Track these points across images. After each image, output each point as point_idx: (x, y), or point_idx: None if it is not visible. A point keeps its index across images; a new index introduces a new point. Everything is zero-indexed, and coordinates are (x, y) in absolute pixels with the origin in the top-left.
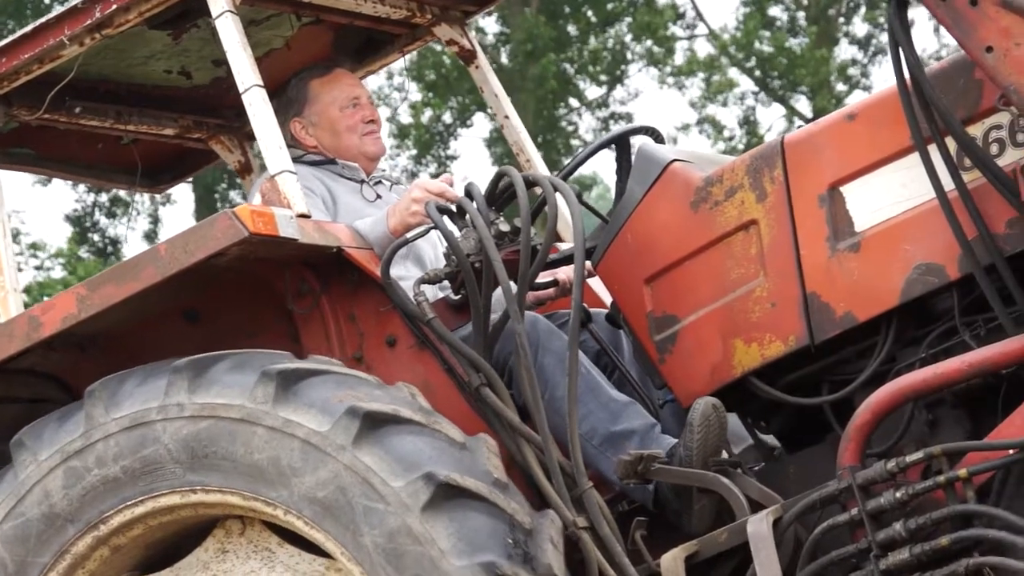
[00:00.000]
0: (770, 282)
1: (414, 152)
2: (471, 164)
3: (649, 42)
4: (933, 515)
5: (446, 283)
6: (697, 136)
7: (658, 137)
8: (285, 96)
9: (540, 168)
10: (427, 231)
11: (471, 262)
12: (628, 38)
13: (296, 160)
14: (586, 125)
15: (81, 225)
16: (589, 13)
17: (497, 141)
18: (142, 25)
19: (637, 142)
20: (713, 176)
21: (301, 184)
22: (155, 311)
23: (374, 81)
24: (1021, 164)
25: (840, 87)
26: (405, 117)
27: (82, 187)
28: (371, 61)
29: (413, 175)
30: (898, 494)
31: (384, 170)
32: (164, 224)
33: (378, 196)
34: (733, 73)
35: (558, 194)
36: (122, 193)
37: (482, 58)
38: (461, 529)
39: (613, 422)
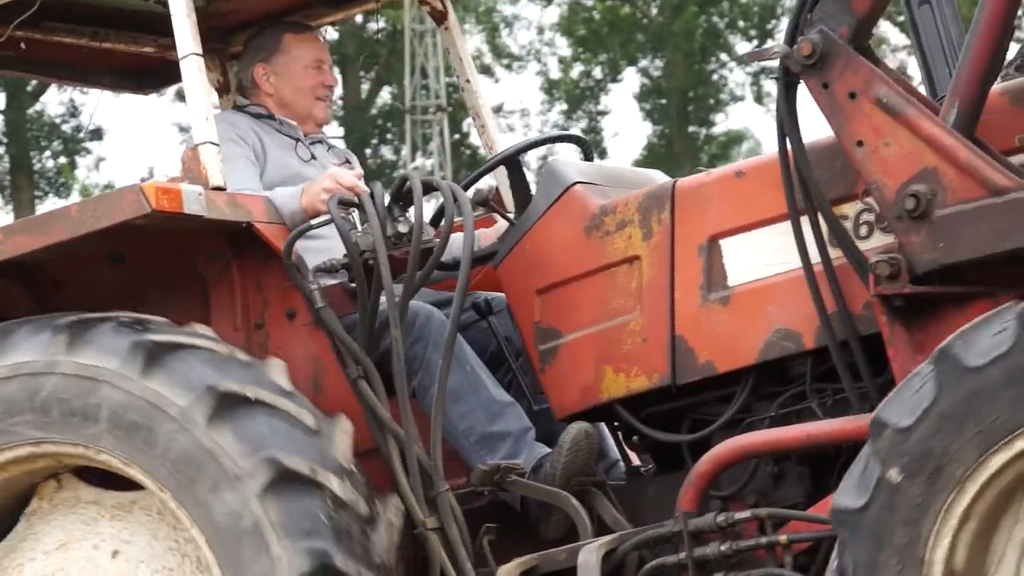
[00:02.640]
0: (644, 318)
1: (564, 107)
2: (621, 119)
3: None
4: (752, 573)
5: None
6: None
7: (586, 147)
8: (258, 40)
9: (494, 135)
10: (329, 221)
11: (364, 259)
12: None
13: (240, 108)
14: (736, 79)
15: None
16: None
17: (648, 95)
18: None
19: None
20: (608, 206)
21: (235, 133)
22: (80, 252)
23: (525, 36)
24: (874, 260)
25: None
26: (555, 71)
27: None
28: (348, 6)
29: (563, 130)
30: (723, 547)
31: (323, 132)
32: None
33: (313, 157)
34: (886, 27)
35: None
36: None
37: (452, 19)
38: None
39: (490, 422)
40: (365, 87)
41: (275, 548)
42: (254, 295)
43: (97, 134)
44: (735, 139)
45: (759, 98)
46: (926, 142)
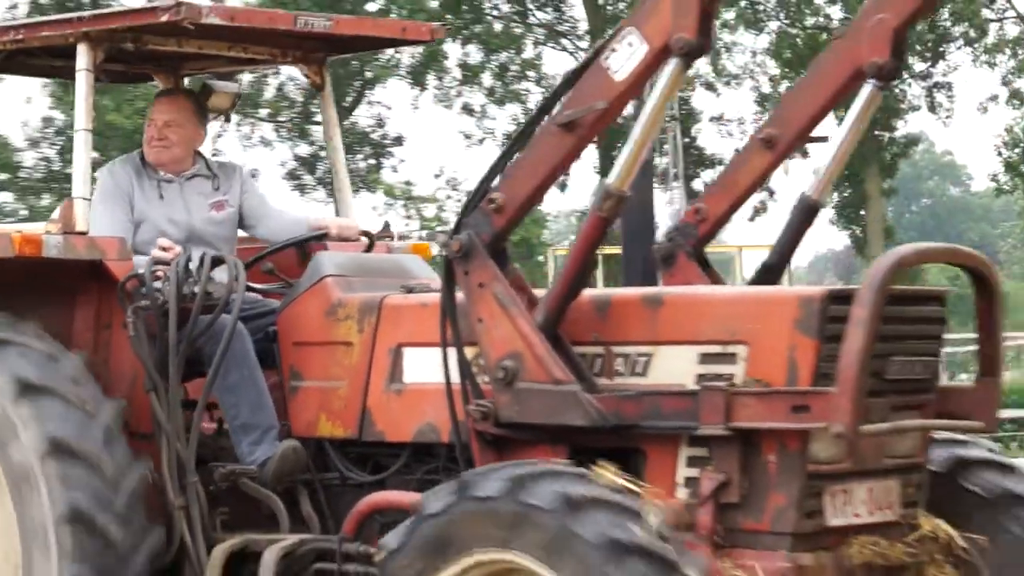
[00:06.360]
0: (348, 388)
1: None
2: (820, 127)
3: (965, 24)
4: None
5: None
6: (1004, 107)
7: (371, 239)
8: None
9: (343, 179)
10: (149, 272)
11: (165, 308)
12: (948, 23)
13: (141, 155)
14: (914, 92)
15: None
16: None
17: (842, 104)
18: None
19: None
20: (343, 300)
21: (114, 185)
22: None
23: (740, 58)
24: (471, 406)
25: None
26: (766, 87)
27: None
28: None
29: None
30: (360, 568)
31: (198, 166)
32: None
33: (161, 196)
34: None
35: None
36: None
37: (328, 90)
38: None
39: (251, 414)
40: None
41: (43, 500)
42: (106, 304)
43: (399, 141)
44: (912, 141)
45: (932, 108)
46: (518, 332)
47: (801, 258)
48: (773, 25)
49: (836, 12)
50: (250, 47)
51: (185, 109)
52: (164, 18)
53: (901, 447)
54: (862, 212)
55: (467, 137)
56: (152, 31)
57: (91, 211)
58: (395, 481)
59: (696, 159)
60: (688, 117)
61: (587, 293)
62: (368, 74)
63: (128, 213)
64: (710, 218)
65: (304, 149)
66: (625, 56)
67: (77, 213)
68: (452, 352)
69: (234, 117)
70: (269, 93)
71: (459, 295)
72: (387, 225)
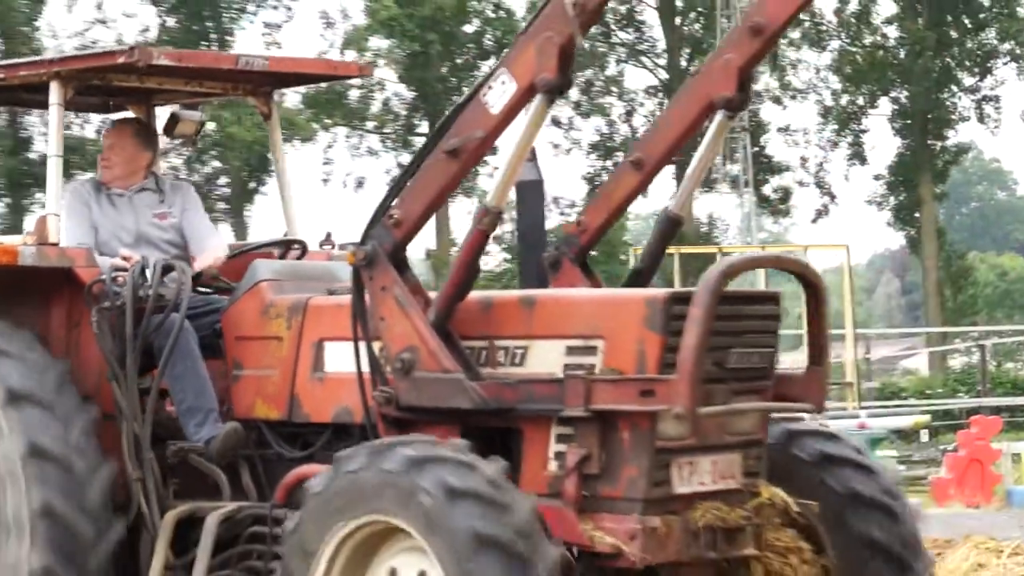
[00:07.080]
0: (279, 376)
1: (835, 126)
2: (877, 135)
3: (1011, 42)
4: None
5: None
6: None
7: (304, 247)
8: None
9: (291, 206)
10: (110, 277)
11: (122, 308)
12: (995, 40)
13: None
14: (964, 105)
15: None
16: (966, 20)
17: (897, 117)
18: None
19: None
20: (275, 300)
21: (79, 201)
22: None
23: (805, 74)
24: (376, 393)
25: None
26: (828, 100)
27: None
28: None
29: (834, 145)
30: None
31: (147, 182)
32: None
33: (113, 206)
34: None
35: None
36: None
37: (275, 119)
38: None
39: (195, 398)
40: None
41: (6, 441)
42: (76, 305)
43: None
44: (963, 150)
45: (981, 119)
46: (414, 329)
47: (860, 256)
48: (834, 43)
49: (892, 31)
50: (204, 82)
51: (125, 136)
52: (121, 60)
53: (742, 425)
54: (916, 214)
55: (555, 147)
56: (112, 71)
57: (62, 220)
58: (321, 456)
59: (765, 166)
60: (757, 128)
61: (474, 295)
62: (465, 89)
63: (88, 220)
64: (590, 229)
65: (407, 159)
66: (499, 93)
67: (50, 227)
68: (363, 346)
69: (343, 129)
70: (376, 107)
71: (368, 297)
72: (329, 235)
